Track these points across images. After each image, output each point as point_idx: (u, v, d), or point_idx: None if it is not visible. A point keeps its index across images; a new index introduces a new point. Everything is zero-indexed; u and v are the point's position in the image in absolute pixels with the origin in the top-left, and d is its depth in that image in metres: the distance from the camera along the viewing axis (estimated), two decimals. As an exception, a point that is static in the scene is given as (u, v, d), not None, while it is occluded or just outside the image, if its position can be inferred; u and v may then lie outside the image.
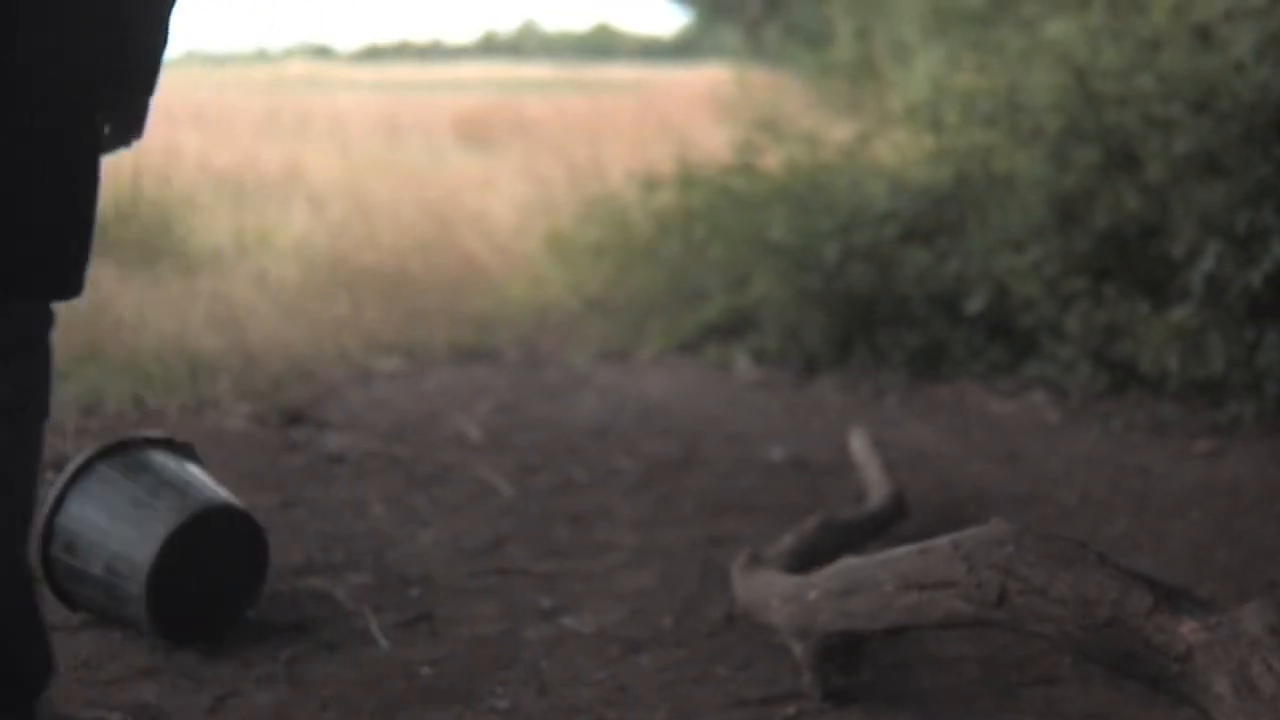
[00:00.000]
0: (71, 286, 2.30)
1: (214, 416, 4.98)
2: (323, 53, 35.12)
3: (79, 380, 4.98)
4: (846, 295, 6.21)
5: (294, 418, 5.02)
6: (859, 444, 4.52)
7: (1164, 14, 6.10)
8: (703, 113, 12.12)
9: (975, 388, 5.79)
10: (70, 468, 3.05)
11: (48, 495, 2.96)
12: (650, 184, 7.68)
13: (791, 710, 2.75)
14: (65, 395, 4.85)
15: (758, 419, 5.38)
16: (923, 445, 4.96)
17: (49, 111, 2.22)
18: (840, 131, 7.85)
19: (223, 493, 3.09)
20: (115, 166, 8.11)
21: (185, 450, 3.18)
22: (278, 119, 13.38)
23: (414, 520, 3.99)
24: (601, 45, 40.73)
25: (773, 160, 7.35)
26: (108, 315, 5.57)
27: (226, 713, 2.69)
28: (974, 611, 2.41)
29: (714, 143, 8.57)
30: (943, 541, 2.50)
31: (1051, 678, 2.92)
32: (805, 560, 3.26)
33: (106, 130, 2.43)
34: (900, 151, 7.28)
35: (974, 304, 5.97)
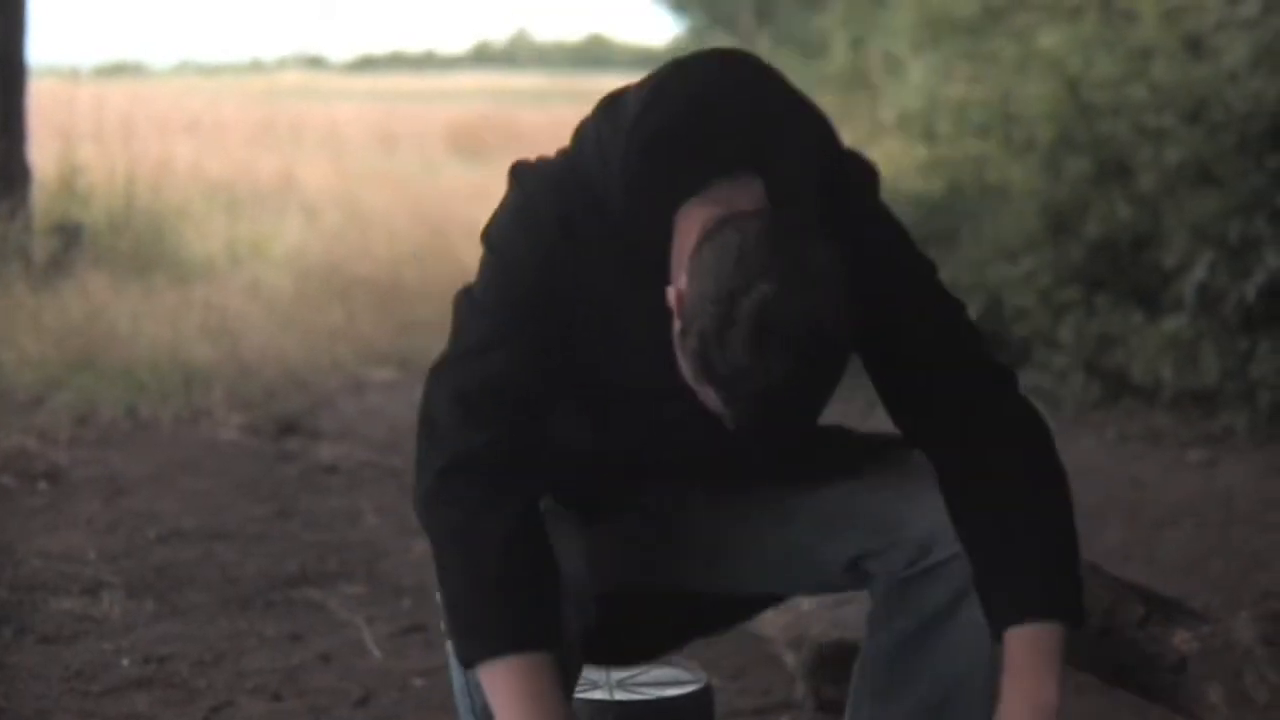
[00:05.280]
0: None
1: (207, 426, 4.98)
2: (316, 63, 35.18)
3: (73, 390, 4.97)
4: (840, 305, 6.20)
5: (288, 428, 5.01)
6: (852, 454, 4.52)
7: (1155, 24, 6.12)
8: (696, 123, 12.10)
9: (968, 397, 5.79)
10: None
11: None
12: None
13: (785, 720, 2.75)
14: (58, 404, 4.85)
15: (751, 429, 5.37)
16: (916, 455, 4.96)
17: None
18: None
19: None
20: (109, 175, 8.07)
21: None
22: (271, 129, 13.36)
23: (407, 530, 3.97)
24: (595, 55, 40.75)
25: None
26: (101, 324, 5.56)
27: (219, 723, 2.68)
28: (967, 621, 2.40)
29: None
30: (936, 551, 2.49)
31: (1045, 688, 2.91)
32: (799, 570, 3.26)
33: None
34: (893, 162, 7.28)
35: (967, 314, 5.98)
